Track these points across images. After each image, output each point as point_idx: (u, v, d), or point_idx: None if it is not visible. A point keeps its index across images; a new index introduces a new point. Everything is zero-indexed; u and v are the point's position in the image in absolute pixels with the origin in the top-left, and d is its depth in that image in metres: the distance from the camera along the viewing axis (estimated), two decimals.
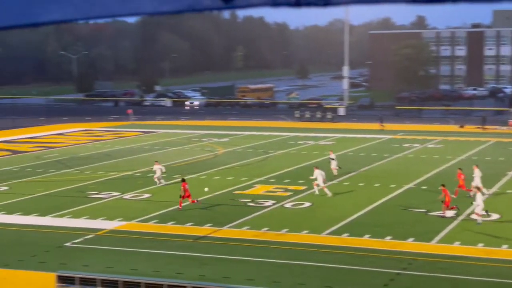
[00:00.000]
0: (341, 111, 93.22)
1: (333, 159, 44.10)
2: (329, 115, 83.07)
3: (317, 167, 38.66)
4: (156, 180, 40.67)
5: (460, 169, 37.96)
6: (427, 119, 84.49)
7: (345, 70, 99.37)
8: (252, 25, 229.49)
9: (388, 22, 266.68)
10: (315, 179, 37.71)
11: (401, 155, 53.06)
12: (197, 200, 34.56)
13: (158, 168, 40.98)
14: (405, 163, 49.47)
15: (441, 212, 32.45)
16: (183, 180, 35.02)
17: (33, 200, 36.92)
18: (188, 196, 33.91)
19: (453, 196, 34.26)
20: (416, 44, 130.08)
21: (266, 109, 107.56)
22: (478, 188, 33.45)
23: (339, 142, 62.42)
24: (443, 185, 33.32)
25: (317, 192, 37.50)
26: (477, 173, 37.07)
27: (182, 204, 33.99)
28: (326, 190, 37.35)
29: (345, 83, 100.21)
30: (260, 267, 24.79)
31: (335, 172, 43.46)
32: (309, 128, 74.59)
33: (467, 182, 36.76)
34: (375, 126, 73.79)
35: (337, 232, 29.63)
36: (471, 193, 34.45)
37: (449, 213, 32.30)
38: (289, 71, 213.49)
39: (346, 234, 29.23)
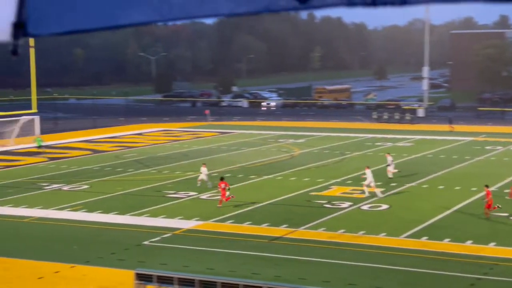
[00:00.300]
0: (420, 112, 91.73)
1: (390, 161, 43.44)
2: (407, 116, 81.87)
3: (368, 167, 38.60)
4: (200, 182, 40.39)
5: None
6: (510, 120, 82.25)
7: (425, 71, 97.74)
8: (330, 26, 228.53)
9: (470, 22, 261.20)
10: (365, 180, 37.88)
11: (482, 158, 51.78)
12: (232, 196, 35.09)
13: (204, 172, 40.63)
14: (486, 166, 48.27)
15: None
16: (222, 179, 35.72)
17: (112, 198, 37.65)
18: (223, 196, 34.74)
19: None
20: (499, 44, 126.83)
21: (343, 110, 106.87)
22: None
23: (418, 144, 61.42)
24: (486, 186, 33.23)
25: (367, 194, 37.26)
26: None
27: (222, 203, 34.86)
28: (376, 190, 37.29)
29: (425, 84, 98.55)
30: (336, 269, 24.58)
31: (390, 174, 42.94)
32: (387, 129, 73.67)
33: None
34: (445, 127, 72.28)
35: (416, 235, 29.11)
36: None
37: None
38: (367, 72, 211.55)
39: (425, 238, 28.69)
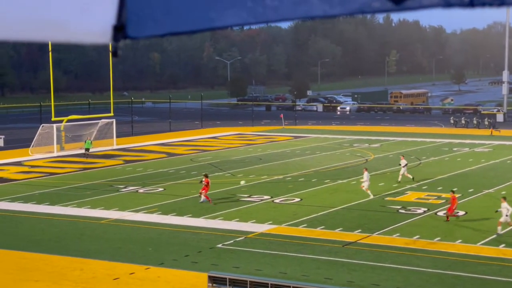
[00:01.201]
0: (500, 117, 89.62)
1: (404, 165, 42.81)
2: (486, 121, 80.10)
3: (366, 169, 39.10)
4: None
5: None
6: None
7: (505, 75, 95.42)
8: (407, 29, 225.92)
9: None
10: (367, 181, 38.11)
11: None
12: (212, 201, 36.13)
13: None
14: None
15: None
16: (206, 176, 37.13)
17: (187, 201, 38.09)
18: (205, 190, 36.21)
19: None
20: None
21: (420, 114, 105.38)
22: None
23: (497, 149, 60.00)
24: (452, 191, 33.59)
25: (371, 196, 37.48)
26: None
27: (209, 199, 36.29)
28: (368, 192, 37.62)
29: (505, 88, 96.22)
30: (410, 276, 24.22)
31: (400, 178, 42.53)
32: (465, 134, 72.23)
33: None
34: (486, 132, 70.98)
35: (493, 243, 28.43)
36: None
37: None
38: (444, 76, 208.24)
39: (502, 245, 27.99)
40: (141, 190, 41.26)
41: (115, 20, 2.10)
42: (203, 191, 36.73)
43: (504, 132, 74.81)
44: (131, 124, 77.77)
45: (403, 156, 44.92)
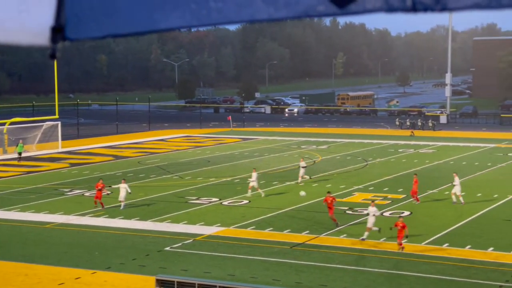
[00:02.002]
0: (443, 119, 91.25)
1: (303, 167, 43.35)
2: (430, 123, 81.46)
3: (255, 169, 40.13)
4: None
5: (416, 174, 38.59)
6: None
7: (448, 77, 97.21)
8: (353, 32, 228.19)
9: (493, 28, 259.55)
10: (255, 181, 38.93)
11: (504, 165, 51.35)
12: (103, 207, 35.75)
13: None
14: (509, 172, 47.83)
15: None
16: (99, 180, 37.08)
17: (134, 204, 37.78)
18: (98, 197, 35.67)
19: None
20: None
21: (366, 116, 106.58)
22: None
23: (441, 150, 61.08)
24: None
25: (249, 195, 38.41)
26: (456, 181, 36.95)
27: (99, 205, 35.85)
28: (260, 191, 38.70)
29: (448, 91, 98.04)
30: (358, 276, 24.47)
31: (299, 179, 43.06)
32: (410, 136, 73.32)
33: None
34: (468, 134, 71.97)
35: (437, 242, 28.93)
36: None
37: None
38: (390, 78, 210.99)
39: (446, 244, 28.51)
40: (87, 194, 40.77)
41: (53, 21, 2.06)
42: (97, 199, 35.93)
43: (446, 133, 76.19)
44: (77, 126, 76.82)
45: (303, 158, 45.14)
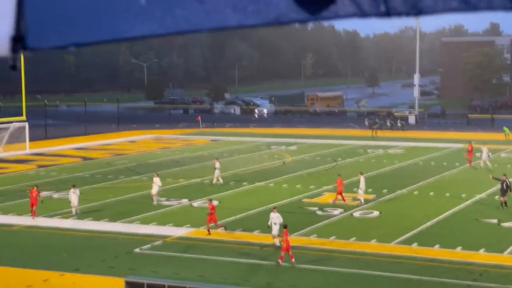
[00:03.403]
0: (412, 119, 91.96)
1: (217, 168, 43.52)
2: (399, 123, 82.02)
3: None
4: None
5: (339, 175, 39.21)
6: (500, 128, 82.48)
7: (416, 78, 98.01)
8: (322, 33, 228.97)
9: (461, 30, 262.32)
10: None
11: (473, 164, 51.90)
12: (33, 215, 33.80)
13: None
14: (476, 172, 48.35)
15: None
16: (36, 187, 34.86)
17: (103, 206, 37.52)
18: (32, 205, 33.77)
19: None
20: (489, 51, 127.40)
21: (335, 117, 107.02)
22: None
23: (409, 150, 61.53)
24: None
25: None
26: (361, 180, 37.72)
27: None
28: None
29: (416, 91, 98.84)
30: (328, 276, 24.54)
31: (214, 180, 43.38)
32: (379, 136, 73.80)
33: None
34: (435, 134, 72.68)
35: (406, 242, 29.13)
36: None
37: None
38: (359, 79, 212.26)
39: (415, 244, 28.71)
40: (55, 195, 40.36)
41: (13, 30, 2.00)
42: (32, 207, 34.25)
43: (414, 133, 76.80)
44: (45, 127, 76.06)
45: (217, 159, 45.22)
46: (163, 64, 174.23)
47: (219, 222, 30.98)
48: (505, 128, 72.08)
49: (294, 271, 25.11)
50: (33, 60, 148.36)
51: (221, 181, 43.48)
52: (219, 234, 30.78)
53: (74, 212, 34.80)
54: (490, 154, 50.64)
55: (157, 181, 37.73)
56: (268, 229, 28.79)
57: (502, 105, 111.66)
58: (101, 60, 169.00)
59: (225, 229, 30.92)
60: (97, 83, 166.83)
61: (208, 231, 30.45)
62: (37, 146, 64.26)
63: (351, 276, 24.46)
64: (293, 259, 25.67)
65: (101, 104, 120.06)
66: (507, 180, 35.62)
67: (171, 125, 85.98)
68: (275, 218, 27.91)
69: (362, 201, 37.36)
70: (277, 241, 27.69)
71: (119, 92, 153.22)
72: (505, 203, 35.29)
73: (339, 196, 37.18)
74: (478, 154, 51.20)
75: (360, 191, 37.45)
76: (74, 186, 35.67)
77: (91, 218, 34.42)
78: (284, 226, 26.69)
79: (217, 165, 43.68)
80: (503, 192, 35.35)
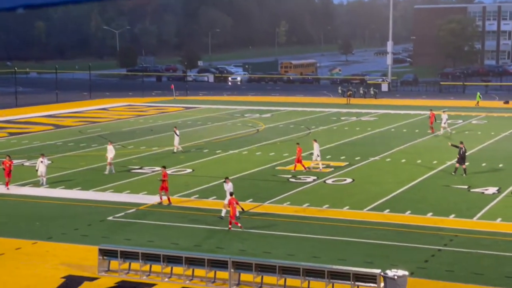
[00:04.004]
0: (384, 87, 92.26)
1: (177, 135, 43.63)
2: (372, 91, 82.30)
3: (111, 142, 38.63)
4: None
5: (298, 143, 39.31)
6: (472, 95, 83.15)
7: (389, 46, 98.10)
8: (296, 0, 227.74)
9: None
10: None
11: (442, 132, 52.35)
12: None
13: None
14: (448, 139, 48.77)
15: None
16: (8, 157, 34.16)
17: (76, 174, 37.35)
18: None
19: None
20: (462, 19, 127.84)
21: (309, 85, 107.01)
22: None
23: (382, 118, 61.86)
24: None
25: (113, 171, 37.16)
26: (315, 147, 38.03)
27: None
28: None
29: (389, 59, 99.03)
30: (301, 242, 24.73)
31: (175, 149, 43.44)
32: (352, 104, 74.04)
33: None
34: (408, 102, 73.14)
35: (379, 208, 29.41)
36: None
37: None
38: (332, 47, 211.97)
39: (387, 210, 29.01)
40: (27, 163, 40.07)
41: None
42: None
43: (387, 101, 77.15)
44: (15, 95, 75.18)
45: (176, 127, 45.24)
46: (136, 31, 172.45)
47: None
48: (479, 94, 72.63)
49: (268, 238, 25.26)
50: (2, 27, 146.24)
51: (180, 148, 43.40)
52: (192, 201, 30.81)
53: (41, 182, 34.48)
54: (448, 120, 51.57)
55: (111, 148, 37.33)
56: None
57: (473, 73, 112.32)
58: (72, 27, 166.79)
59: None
60: (68, 50, 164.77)
61: (160, 198, 30.40)
62: (7, 114, 63.62)
63: (324, 242, 24.68)
64: (238, 224, 26.11)
65: (72, 71, 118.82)
66: (464, 147, 36.00)
67: (144, 93, 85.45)
68: (231, 188, 27.67)
69: (321, 167, 37.61)
70: (223, 211, 27.56)
71: (91, 59, 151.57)
72: (464, 170, 35.73)
73: (299, 164, 37.26)
74: (439, 122, 51.69)
75: (317, 158, 37.64)
76: (42, 155, 35.23)
77: (64, 186, 34.27)
78: (230, 193, 26.85)
79: (177, 132, 43.63)
80: (460, 159, 35.76)
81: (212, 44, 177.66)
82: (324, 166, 38.32)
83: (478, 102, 70.96)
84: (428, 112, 54.53)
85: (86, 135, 51.98)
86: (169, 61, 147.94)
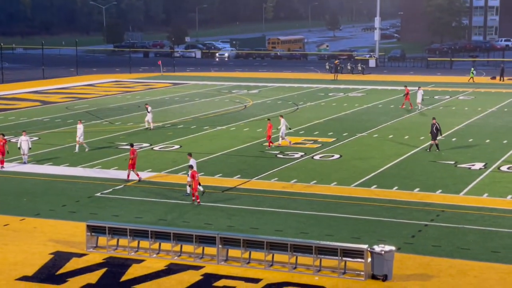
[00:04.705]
0: (372, 62, 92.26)
1: (149, 112, 43.69)
2: (359, 67, 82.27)
3: (81, 121, 37.99)
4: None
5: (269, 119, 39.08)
6: (459, 70, 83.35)
7: (377, 21, 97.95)
8: None
9: None
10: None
11: (431, 107, 52.50)
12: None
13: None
14: (435, 115, 48.86)
15: None
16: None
17: (63, 150, 37.26)
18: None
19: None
20: None
21: (296, 60, 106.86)
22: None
23: (369, 94, 61.93)
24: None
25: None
26: (282, 123, 37.98)
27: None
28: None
29: (377, 35, 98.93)
30: (288, 218, 24.85)
31: (146, 124, 43.69)
32: (339, 80, 74.04)
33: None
34: (395, 77, 73.21)
35: (366, 184, 29.55)
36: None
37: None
38: (320, 23, 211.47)
39: (374, 186, 29.14)
40: (14, 140, 39.90)
41: None
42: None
43: (374, 77, 77.18)
44: (1, 71, 74.66)
45: (148, 104, 45.25)
46: (123, 7, 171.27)
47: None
48: (472, 70, 72.65)
49: (255, 214, 25.36)
50: None
51: (151, 126, 43.36)
52: (180, 178, 30.84)
53: (24, 160, 34.28)
54: (424, 96, 52.06)
55: (80, 127, 36.98)
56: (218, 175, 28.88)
57: (461, 48, 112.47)
58: (58, 2, 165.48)
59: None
60: (54, 26, 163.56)
61: (128, 176, 30.33)
62: None
63: (311, 218, 24.80)
64: (198, 199, 26.45)
65: (59, 47, 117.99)
66: (437, 123, 36.12)
67: (131, 69, 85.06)
68: (193, 163, 27.59)
69: (290, 143, 37.83)
70: (200, 188, 27.48)
71: (78, 35, 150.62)
72: (437, 145, 35.94)
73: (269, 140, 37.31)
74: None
75: (282, 134, 37.71)
76: (25, 133, 34.91)
77: (51, 163, 34.19)
78: (189, 166, 27.03)
79: (149, 109, 43.58)
80: (434, 135, 35.92)
81: (199, 20, 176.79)
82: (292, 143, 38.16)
83: (472, 78, 70.92)
84: (404, 88, 54.72)
85: (74, 112, 51.78)
86: (156, 37, 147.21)
